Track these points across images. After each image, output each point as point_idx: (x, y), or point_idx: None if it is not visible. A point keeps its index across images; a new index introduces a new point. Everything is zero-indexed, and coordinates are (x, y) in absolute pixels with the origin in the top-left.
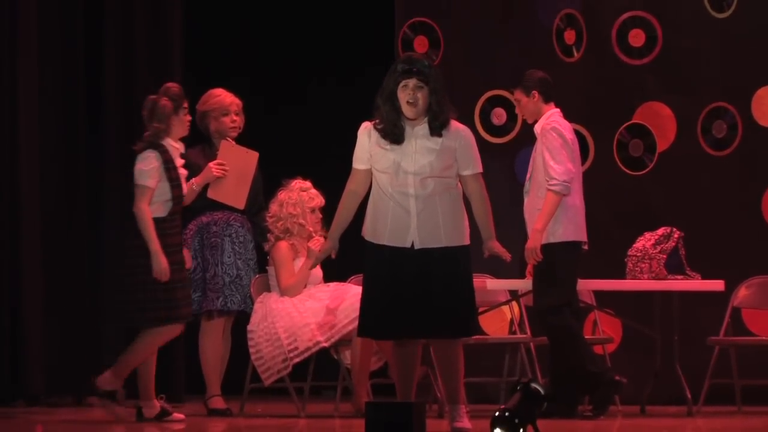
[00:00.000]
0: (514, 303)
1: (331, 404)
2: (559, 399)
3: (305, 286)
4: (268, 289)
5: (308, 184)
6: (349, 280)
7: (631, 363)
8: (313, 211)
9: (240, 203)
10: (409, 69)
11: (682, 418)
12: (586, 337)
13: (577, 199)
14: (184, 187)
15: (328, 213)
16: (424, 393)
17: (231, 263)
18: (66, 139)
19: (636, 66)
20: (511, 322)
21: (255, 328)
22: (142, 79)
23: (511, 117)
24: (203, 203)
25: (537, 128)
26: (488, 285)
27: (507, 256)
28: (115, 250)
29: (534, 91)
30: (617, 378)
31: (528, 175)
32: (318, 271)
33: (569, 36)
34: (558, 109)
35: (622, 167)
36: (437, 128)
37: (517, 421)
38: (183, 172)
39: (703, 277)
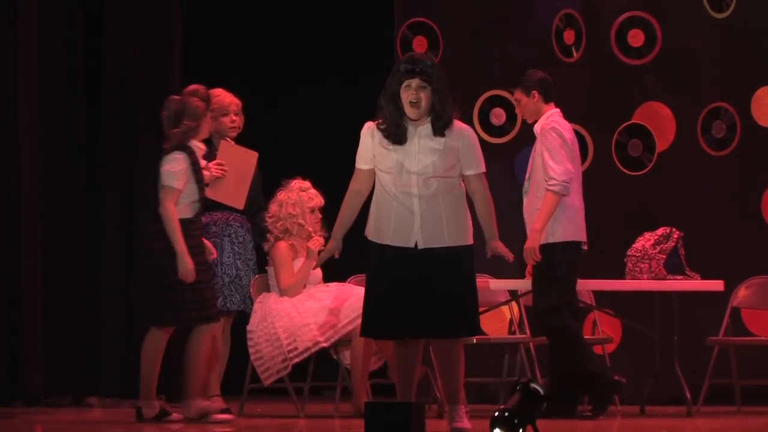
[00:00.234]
0: (513, 303)
1: (330, 404)
2: (558, 399)
3: (305, 287)
4: (268, 290)
5: (307, 184)
6: (349, 280)
7: (631, 363)
8: (312, 211)
9: (239, 203)
10: (412, 69)
11: (681, 419)
12: (585, 337)
13: (576, 199)
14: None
15: (327, 213)
16: (424, 393)
17: (230, 263)
18: (65, 139)
19: (635, 66)
20: (511, 322)
21: (254, 328)
22: (142, 79)
23: (510, 117)
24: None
25: (537, 128)
26: (490, 285)
27: (510, 256)
28: (114, 249)
29: (534, 91)
30: (617, 378)
31: (527, 175)
32: (317, 272)
33: (568, 36)
34: (558, 110)
35: (622, 167)
36: (440, 128)
37: (516, 421)
38: (206, 174)
39: (703, 277)
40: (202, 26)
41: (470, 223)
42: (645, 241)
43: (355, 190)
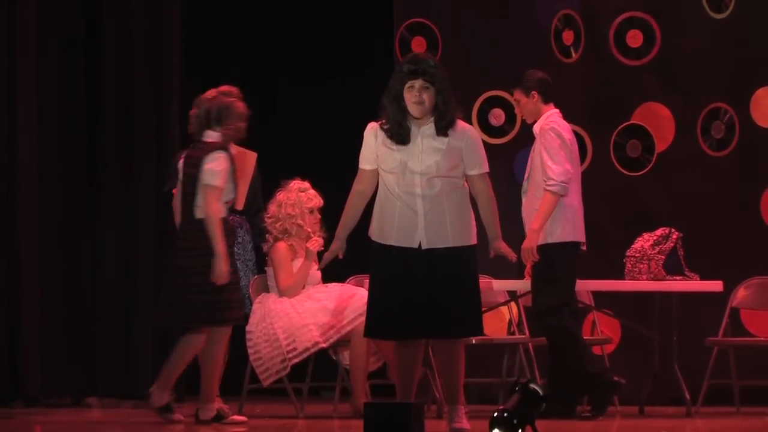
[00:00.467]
0: (512, 303)
1: (329, 405)
2: (557, 399)
3: (304, 287)
4: (267, 290)
5: (307, 184)
6: (348, 280)
7: (630, 363)
8: (311, 211)
9: (238, 204)
10: (415, 69)
11: (680, 419)
12: (584, 337)
13: (575, 200)
14: None
15: (326, 213)
16: (423, 394)
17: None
18: (65, 139)
19: (634, 67)
20: (510, 322)
21: (253, 328)
22: (141, 79)
23: (510, 118)
24: None
25: (536, 128)
26: (493, 286)
27: (513, 256)
28: (114, 250)
29: (533, 92)
30: (616, 378)
31: (526, 176)
32: (316, 272)
33: (567, 37)
34: (557, 110)
35: (621, 168)
36: (443, 128)
37: (515, 421)
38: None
39: (702, 278)
40: (202, 26)
41: (474, 223)
42: (644, 242)
43: (359, 190)
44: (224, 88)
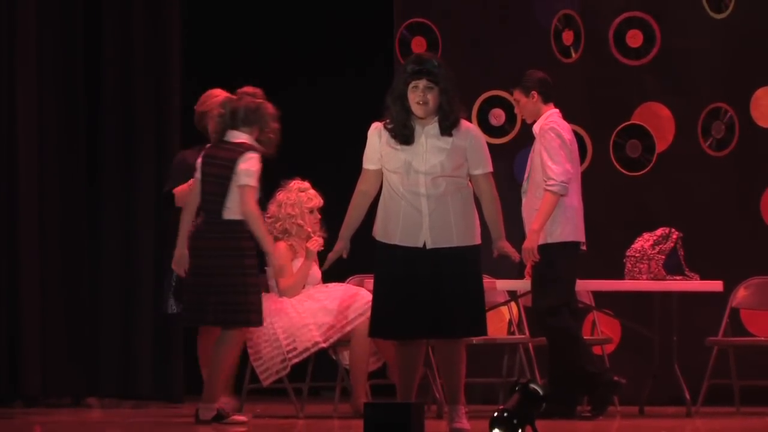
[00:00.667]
0: (512, 303)
1: (329, 405)
2: (557, 399)
3: (304, 287)
4: (267, 290)
5: (307, 184)
6: (348, 280)
7: (630, 363)
8: (311, 211)
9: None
10: (419, 69)
11: (680, 419)
12: (584, 337)
13: (575, 200)
14: None
15: (326, 213)
16: (423, 394)
17: None
18: (65, 139)
19: (634, 66)
20: (510, 322)
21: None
22: (141, 79)
23: (510, 118)
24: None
25: (535, 128)
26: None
27: (516, 256)
28: (114, 250)
29: (533, 92)
30: (616, 378)
31: (526, 176)
32: (316, 272)
33: (567, 37)
34: (557, 110)
35: (621, 168)
36: (447, 128)
37: (515, 421)
38: None
39: (702, 278)
40: (202, 26)
41: (478, 223)
42: (644, 242)
43: (363, 190)
44: (248, 88)
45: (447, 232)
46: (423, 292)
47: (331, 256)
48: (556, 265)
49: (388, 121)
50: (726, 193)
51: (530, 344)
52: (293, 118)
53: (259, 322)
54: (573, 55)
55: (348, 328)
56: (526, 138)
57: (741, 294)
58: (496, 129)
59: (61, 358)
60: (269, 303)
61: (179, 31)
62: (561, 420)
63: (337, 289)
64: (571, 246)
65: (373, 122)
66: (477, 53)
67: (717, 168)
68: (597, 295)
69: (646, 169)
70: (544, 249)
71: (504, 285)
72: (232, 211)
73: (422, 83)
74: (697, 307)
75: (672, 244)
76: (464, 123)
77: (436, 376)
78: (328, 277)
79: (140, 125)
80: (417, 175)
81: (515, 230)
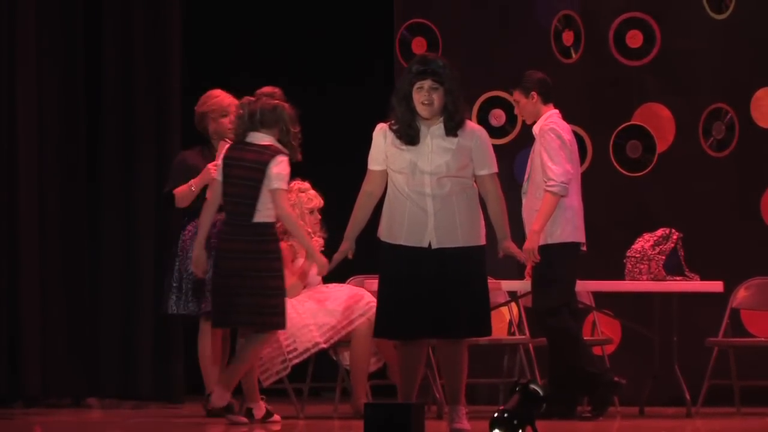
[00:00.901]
0: (513, 304)
1: (330, 405)
2: (558, 400)
3: (304, 287)
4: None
5: (307, 185)
6: (348, 281)
7: (630, 364)
8: (311, 212)
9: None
10: (424, 70)
11: (680, 419)
12: (585, 338)
13: (575, 200)
14: None
15: (327, 214)
16: (423, 394)
17: None
18: (65, 139)
19: (634, 67)
20: (510, 323)
21: None
22: (141, 79)
23: (510, 118)
24: (202, 204)
25: (535, 129)
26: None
27: (522, 256)
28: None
29: (533, 92)
30: (616, 379)
31: (526, 176)
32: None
33: (567, 37)
34: (557, 111)
35: (621, 169)
36: (452, 128)
37: (516, 422)
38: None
39: (702, 278)
40: (202, 26)
41: (483, 223)
42: (644, 242)
43: (368, 191)
44: (266, 89)
45: (452, 232)
46: (428, 292)
47: (337, 257)
48: (556, 265)
49: (393, 122)
50: (726, 193)
51: (530, 345)
52: None
53: (284, 325)
54: (573, 55)
55: (348, 329)
56: (526, 139)
57: (741, 294)
58: (497, 129)
59: (61, 358)
60: None
61: (179, 31)
62: (561, 420)
63: (340, 290)
64: (571, 246)
65: (378, 123)
66: (477, 53)
67: (717, 168)
68: (597, 295)
69: (646, 170)
70: (544, 250)
71: (505, 285)
72: (262, 213)
73: (427, 83)
74: (698, 308)
75: (672, 245)
76: (469, 123)
77: (437, 377)
78: (328, 277)
79: (140, 125)
80: (422, 175)
81: (515, 231)
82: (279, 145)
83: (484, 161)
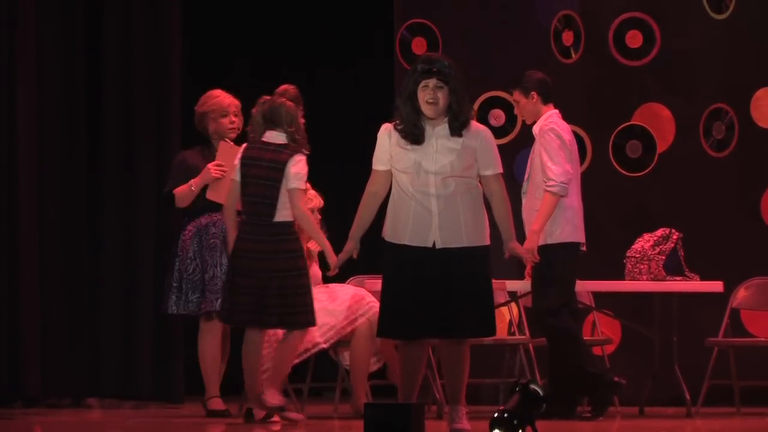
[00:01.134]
0: (513, 304)
1: (330, 405)
2: (557, 400)
3: None
4: None
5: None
6: (348, 281)
7: (630, 364)
8: (312, 212)
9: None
10: (429, 69)
11: (680, 419)
12: (585, 338)
13: (575, 200)
14: None
15: (327, 214)
16: (423, 394)
17: None
18: (65, 138)
19: (634, 67)
20: (510, 323)
21: None
22: (142, 79)
23: (510, 118)
24: (202, 204)
25: (535, 129)
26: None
27: (528, 256)
28: (115, 250)
29: (533, 92)
30: (616, 379)
31: (526, 176)
32: (317, 273)
33: (567, 37)
34: (557, 111)
35: (621, 169)
36: (457, 128)
37: (516, 422)
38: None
39: (702, 278)
40: (202, 26)
41: (487, 223)
42: (644, 242)
43: (372, 191)
44: (281, 87)
45: (457, 232)
46: (432, 292)
47: (342, 257)
48: (556, 265)
49: (398, 121)
50: (726, 193)
51: (530, 345)
52: None
53: (314, 321)
54: (573, 55)
55: (348, 329)
56: (526, 139)
57: (741, 294)
58: (496, 129)
59: (61, 358)
60: None
61: (179, 31)
62: (561, 420)
63: (342, 290)
64: (571, 246)
65: (380, 123)
66: (477, 53)
67: (717, 168)
68: (597, 295)
69: (646, 170)
70: (544, 250)
71: (508, 285)
72: (282, 213)
73: (432, 82)
74: (698, 308)
75: (672, 245)
76: (474, 124)
77: (437, 377)
78: (328, 277)
79: (140, 125)
80: (427, 175)
81: (516, 231)
82: (295, 144)
83: (489, 161)
